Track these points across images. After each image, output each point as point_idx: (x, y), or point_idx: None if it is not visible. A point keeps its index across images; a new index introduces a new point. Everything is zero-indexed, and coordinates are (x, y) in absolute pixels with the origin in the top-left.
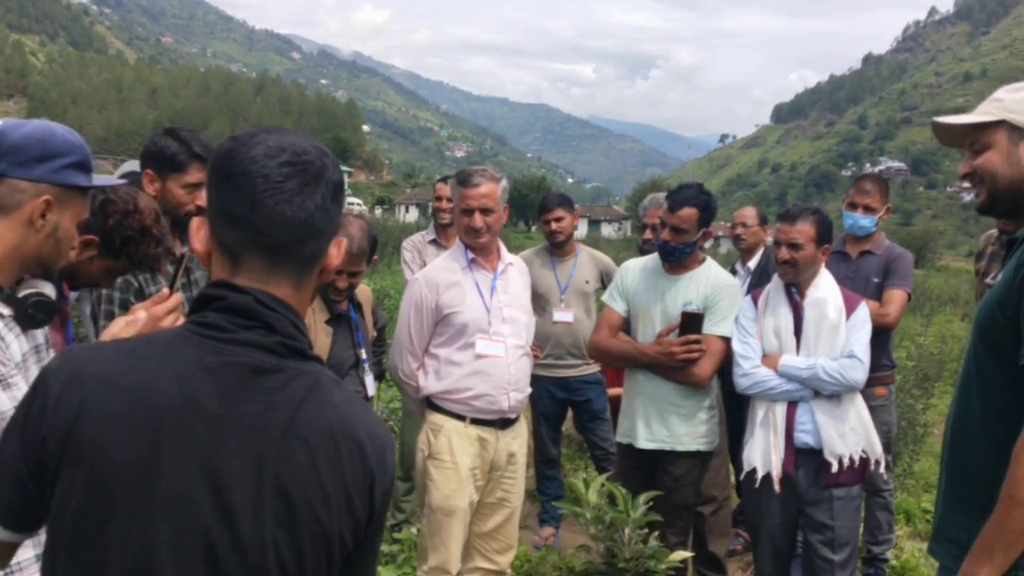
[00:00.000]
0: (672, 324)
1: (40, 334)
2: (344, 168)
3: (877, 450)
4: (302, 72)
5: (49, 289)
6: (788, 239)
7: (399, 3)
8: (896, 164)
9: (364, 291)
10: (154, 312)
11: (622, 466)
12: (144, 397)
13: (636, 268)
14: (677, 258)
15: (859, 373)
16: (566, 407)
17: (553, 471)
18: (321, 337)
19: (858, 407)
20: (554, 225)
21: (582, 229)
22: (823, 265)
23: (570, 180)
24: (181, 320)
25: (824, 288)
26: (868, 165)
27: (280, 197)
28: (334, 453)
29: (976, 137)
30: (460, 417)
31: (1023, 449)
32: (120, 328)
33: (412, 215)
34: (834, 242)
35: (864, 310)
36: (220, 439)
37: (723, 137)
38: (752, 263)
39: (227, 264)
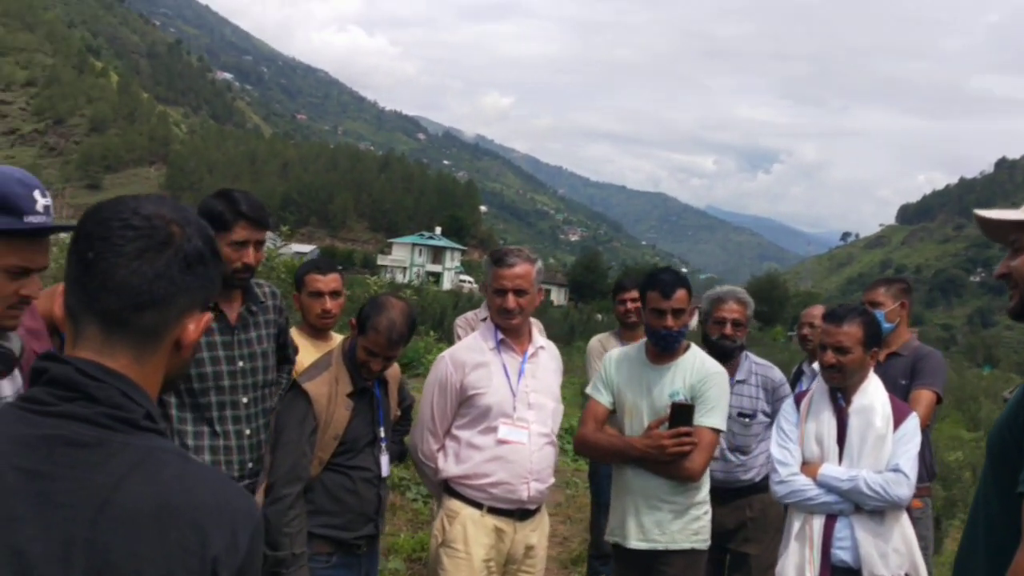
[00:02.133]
0: (660, 416)
1: (7, 386)
2: (458, 246)
3: (923, 574)
4: (426, 152)
5: (15, 342)
6: (834, 342)
7: (523, 90)
8: None
9: (392, 369)
10: None
11: (618, 568)
12: None
13: (619, 358)
14: (679, 343)
15: (904, 489)
16: None
17: (606, 567)
18: (340, 410)
19: (903, 526)
20: (630, 304)
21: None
22: (872, 370)
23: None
24: None
25: (872, 395)
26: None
27: (115, 260)
28: (159, 534)
29: (1019, 235)
30: (477, 505)
31: None
32: None
33: None
34: None
35: (914, 421)
36: (26, 518)
37: (845, 235)
38: (818, 364)
39: (72, 332)
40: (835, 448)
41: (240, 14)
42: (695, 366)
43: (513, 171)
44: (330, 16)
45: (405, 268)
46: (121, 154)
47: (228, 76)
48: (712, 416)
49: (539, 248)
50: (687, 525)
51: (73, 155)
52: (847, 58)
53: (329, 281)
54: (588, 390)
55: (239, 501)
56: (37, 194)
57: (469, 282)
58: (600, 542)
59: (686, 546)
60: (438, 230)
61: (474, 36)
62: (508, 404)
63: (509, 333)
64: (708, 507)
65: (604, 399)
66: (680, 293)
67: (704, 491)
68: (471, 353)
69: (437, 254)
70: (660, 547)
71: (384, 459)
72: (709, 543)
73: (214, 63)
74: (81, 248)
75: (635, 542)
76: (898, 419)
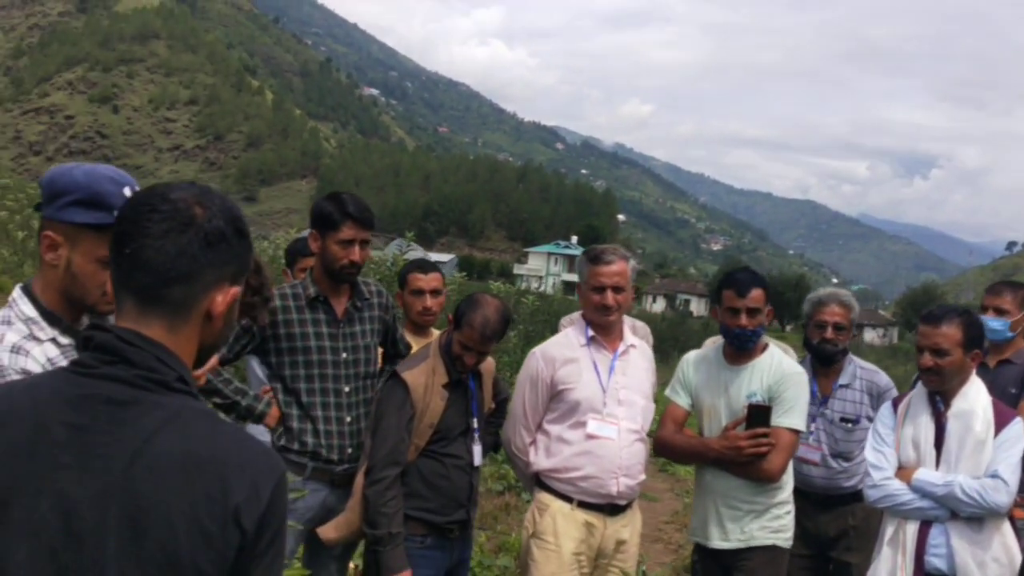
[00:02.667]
0: (738, 417)
1: None
2: None
3: None
4: (564, 162)
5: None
6: (931, 344)
7: (663, 97)
8: None
9: (487, 363)
10: None
11: (701, 568)
12: (4, 426)
13: (697, 360)
14: (754, 343)
15: (1002, 496)
16: None
17: None
18: (435, 400)
19: (1004, 535)
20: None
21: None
22: (973, 373)
23: (835, 280)
24: None
25: (973, 399)
26: None
27: (142, 242)
28: (185, 483)
29: None
30: (567, 499)
31: None
32: None
33: (659, 305)
34: None
35: (1017, 427)
36: (71, 467)
37: (1011, 244)
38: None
39: (116, 305)
40: (932, 453)
41: (386, 32)
42: (772, 366)
43: (652, 179)
44: (472, 31)
45: (541, 277)
46: (275, 168)
47: (375, 92)
48: (790, 416)
49: (679, 257)
50: (767, 523)
51: (231, 169)
52: (1011, 57)
53: (430, 280)
54: (667, 392)
55: (262, 457)
56: (127, 191)
57: None
58: None
59: (767, 542)
60: (574, 239)
61: (613, 45)
62: (598, 400)
63: (600, 330)
64: (791, 507)
65: (682, 401)
66: (756, 292)
67: (787, 491)
68: (561, 349)
69: (572, 263)
70: (742, 545)
71: (476, 448)
72: (791, 542)
73: (362, 80)
74: (117, 232)
75: (717, 542)
76: (1000, 424)
